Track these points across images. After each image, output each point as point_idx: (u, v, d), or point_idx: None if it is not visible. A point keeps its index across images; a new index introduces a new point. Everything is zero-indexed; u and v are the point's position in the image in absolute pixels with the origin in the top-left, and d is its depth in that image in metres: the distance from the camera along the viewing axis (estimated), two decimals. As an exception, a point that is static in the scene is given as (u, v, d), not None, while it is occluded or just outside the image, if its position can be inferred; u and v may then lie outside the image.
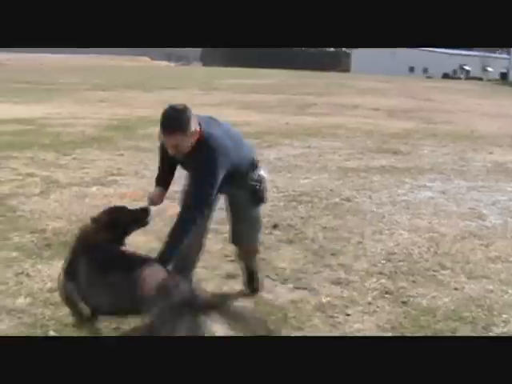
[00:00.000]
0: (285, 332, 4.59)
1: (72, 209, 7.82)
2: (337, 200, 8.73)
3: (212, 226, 5.15)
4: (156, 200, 4.80)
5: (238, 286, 5.45)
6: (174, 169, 4.83)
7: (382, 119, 20.49)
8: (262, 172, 4.92)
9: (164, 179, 4.85)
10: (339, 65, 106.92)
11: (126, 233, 4.47)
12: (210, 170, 4.37)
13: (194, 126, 4.28)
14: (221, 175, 4.40)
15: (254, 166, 4.84)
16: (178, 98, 21.21)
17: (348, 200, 8.74)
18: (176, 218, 4.41)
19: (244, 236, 5.14)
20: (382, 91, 35.97)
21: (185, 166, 4.67)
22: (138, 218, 4.49)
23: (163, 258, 4.24)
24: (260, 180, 4.86)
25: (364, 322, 4.89)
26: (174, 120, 4.24)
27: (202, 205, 4.42)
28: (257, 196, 4.89)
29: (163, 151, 4.66)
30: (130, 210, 4.50)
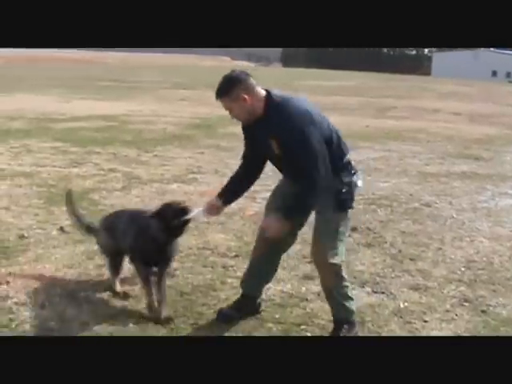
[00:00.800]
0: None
1: (153, 204, 7.92)
2: (416, 205, 8.65)
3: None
4: (210, 212, 4.77)
5: (315, 287, 5.44)
6: (257, 169, 4.68)
7: (463, 124, 20.13)
8: (357, 179, 4.39)
9: (235, 186, 4.76)
10: (420, 68, 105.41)
11: (177, 226, 4.70)
12: (297, 126, 4.13)
13: (244, 91, 4.22)
14: (313, 127, 4.14)
15: (347, 167, 4.35)
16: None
17: (428, 205, 8.65)
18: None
19: (318, 246, 4.44)
20: (463, 95, 35.29)
21: (268, 145, 4.29)
22: (178, 214, 4.67)
23: (286, 215, 4.26)
24: (349, 184, 4.32)
25: (442, 329, 4.83)
26: (219, 85, 4.32)
27: (316, 166, 4.10)
28: (338, 199, 4.29)
29: (246, 134, 4.60)
30: (173, 205, 4.78)
